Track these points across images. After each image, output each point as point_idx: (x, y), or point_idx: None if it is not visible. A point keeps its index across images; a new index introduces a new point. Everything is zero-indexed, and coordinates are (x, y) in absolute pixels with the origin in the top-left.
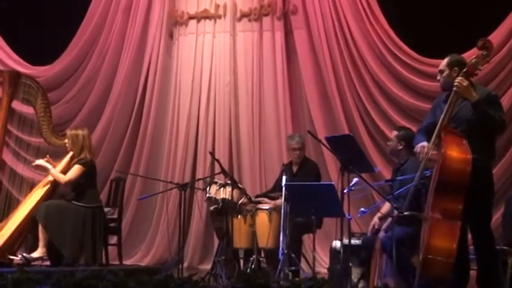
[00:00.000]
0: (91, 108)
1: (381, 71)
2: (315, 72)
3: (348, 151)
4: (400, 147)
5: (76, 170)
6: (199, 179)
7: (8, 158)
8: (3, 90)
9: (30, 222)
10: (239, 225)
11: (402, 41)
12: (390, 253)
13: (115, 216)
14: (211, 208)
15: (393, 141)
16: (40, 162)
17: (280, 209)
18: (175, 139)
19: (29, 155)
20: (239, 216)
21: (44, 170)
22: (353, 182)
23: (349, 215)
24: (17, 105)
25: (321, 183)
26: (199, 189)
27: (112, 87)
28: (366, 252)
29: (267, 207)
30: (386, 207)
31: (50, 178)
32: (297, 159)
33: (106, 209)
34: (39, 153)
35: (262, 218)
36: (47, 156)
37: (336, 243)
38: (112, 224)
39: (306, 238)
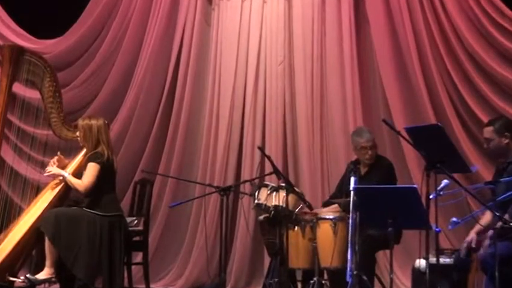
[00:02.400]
0: (110, 93)
1: (479, 44)
2: (393, 47)
3: (435, 145)
4: (506, 141)
5: (91, 170)
6: (245, 181)
7: (8, 155)
8: (2, 70)
9: (35, 235)
10: (296, 240)
11: (507, 5)
12: (492, 275)
13: (140, 228)
14: (261, 218)
15: (493, 138)
16: (54, 169)
17: (347, 219)
18: (215, 132)
19: (34, 151)
20: (296, 227)
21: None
22: (442, 185)
23: (437, 227)
24: (19, 88)
25: (401, 186)
26: (245, 193)
27: (136, 66)
28: (460, 274)
29: (331, 217)
30: (487, 217)
31: (60, 178)
32: (369, 160)
33: (128, 219)
34: (47, 149)
35: (325, 231)
36: (58, 153)
37: (420, 263)
38: (137, 238)
39: (381, 255)
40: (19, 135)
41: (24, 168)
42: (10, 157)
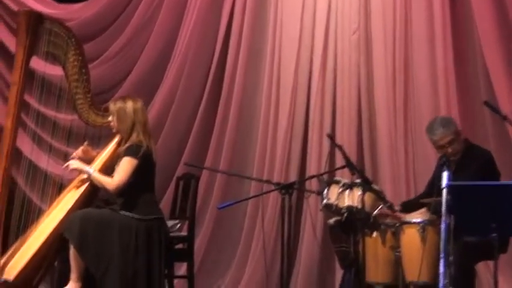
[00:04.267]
0: (145, 70)
1: None
2: (497, 10)
3: None
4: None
5: (126, 166)
6: (311, 177)
7: (25, 145)
8: (17, 42)
9: (58, 242)
10: (375, 248)
11: None
12: None
13: (184, 233)
14: (331, 221)
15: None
16: (75, 164)
17: (439, 224)
18: (274, 119)
19: (57, 140)
20: (374, 233)
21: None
22: None
23: None
24: (37, 63)
25: (507, 182)
26: (311, 192)
27: (177, 37)
28: None
29: (418, 220)
30: None
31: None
32: (453, 156)
33: (169, 223)
34: (72, 137)
35: (411, 237)
36: (85, 143)
37: None
38: (180, 246)
39: (482, 268)
40: (39, 121)
41: (44, 161)
42: (28, 148)
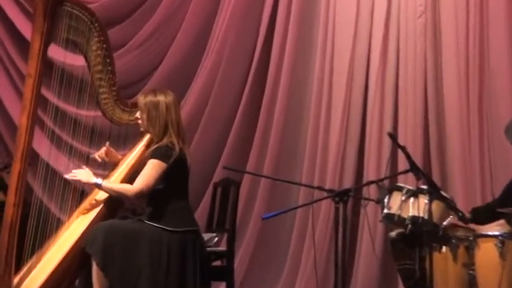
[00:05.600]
0: (178, 60)
1: None
2: None
3: None
4: None
5: (152, 169)
6: (369, 183)
7: (42, 146)
8: (33, 27)
9: (79, 258)
10: (444, 266)
11: None
12: None
13: (223, 248)
14: (393, 234)
15: None
16: (80, 174)
17: None
18: (326, 117)
19: (77, 140)
20: (444, 248)
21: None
22: None
23: None
24: (56, 52)
25: None
26: (369, 200)
27: (214, 22)
28: None
29: (496, 233)
30: None
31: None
32: None
33: (205, 236)
34: (95, 137)
35: (487, 253)
36: (107, 144)
37: None
38: (218, 262)
39: None
40: (57, 119)
41: (64, 165)
42: (45, 149)
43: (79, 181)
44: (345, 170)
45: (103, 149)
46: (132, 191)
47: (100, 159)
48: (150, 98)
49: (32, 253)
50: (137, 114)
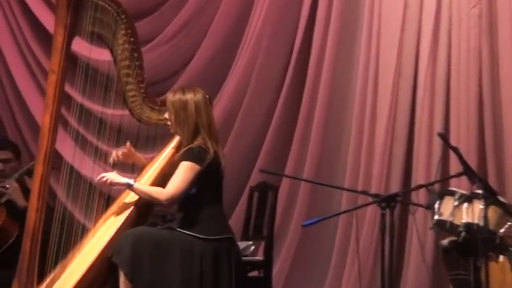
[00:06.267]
0: (210, 55)
1: None
2: None
3: None
4: None
5: (184, 172)
6: (418, 187)
7: (66, 148)
8: (56, 19)
9: (105, 268)
10: (502, 276)
11: None
12: None
13: (259, 258)
14: (445, 242)
15: None
16: (112, 176)
17: None
18: (371, 116)
19: (103, 141)
20: (501, 257)
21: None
22: None
23: None
24: (80, 46)
25: None
26: (418, 205)
27: (249, 15)
28: None
29: None
30: None
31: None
32: None
33: (241, 244)
34: (121, 137)
35: None
36: (128, 143)
37: None
38: (254, 273)
39: None
40: (82, 118)
41: (89, 168)
42: (69, 151)
43: (109, 182)
44: (392, 172)
45: (122, 149)
46: (164, 195)
47: (112, 161)
48: (179, 96)
49: (56, 262)
50: (167, 114)
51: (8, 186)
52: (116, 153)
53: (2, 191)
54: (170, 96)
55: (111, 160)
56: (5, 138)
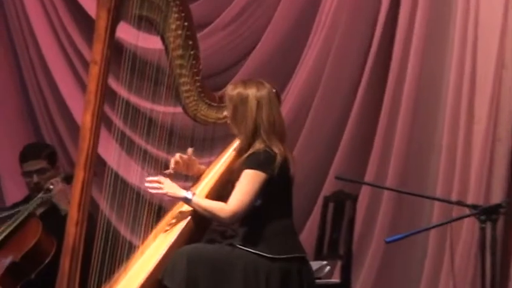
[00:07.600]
0: (275, 45)
1: None
2: None
3: None
4: None
5: (248, 182)
6: None
7: (110, 152)
8: (98, 2)
9: None
10: None
11: None
12: None
13: (336, 280)
14: None
15: None
16: (168, 186)
17: None
18: (466, 116)
19: (153, 144)
20: None
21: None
22: None
23: None
24: (126, 32)
25: None
26: None
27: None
28: None
29: None
30: None
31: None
32: None
33: (314, 264)
34: (174, 139)
35: None
36: (189, 150)
37: None
38: None
39: None
40: (128, 117)
41: (136, 175)
42: (114, 155)
43: (163, 195)
44: (492, 181)
45: (179, 157)
46: (226, 212)
47: (170, 171)
48: (239, 90)
49: (99, 285)
50: (226, 112)
51: (52, 187)
52: (175, 160)
53: (45, 197)
54: (230, 90)
55: (170, 169)
56: (38, 143)
